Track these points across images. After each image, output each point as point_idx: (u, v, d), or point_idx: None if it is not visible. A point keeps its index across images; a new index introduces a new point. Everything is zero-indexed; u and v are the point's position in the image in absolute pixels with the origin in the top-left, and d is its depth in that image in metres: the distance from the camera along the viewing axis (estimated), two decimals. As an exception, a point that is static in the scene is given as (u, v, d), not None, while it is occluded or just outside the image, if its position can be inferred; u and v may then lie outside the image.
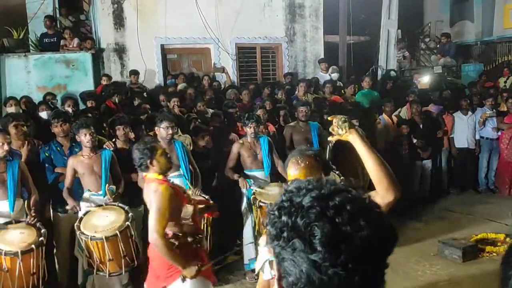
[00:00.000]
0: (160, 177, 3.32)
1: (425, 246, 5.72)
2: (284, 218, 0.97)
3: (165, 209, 3.14)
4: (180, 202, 3.36)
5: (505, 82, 11.11)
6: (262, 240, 2.34)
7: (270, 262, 2.23)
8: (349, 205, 0.95)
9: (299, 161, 2.34)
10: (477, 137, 8.01)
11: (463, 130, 7.92)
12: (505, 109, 7.96)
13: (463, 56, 14.40)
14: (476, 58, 14.70)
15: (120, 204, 4.26)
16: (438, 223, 6.63)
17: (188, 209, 3.38)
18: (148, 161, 3.29)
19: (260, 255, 2.35)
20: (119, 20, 9.20)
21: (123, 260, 3.97)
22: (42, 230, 3.92)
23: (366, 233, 0.92)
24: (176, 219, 3.31)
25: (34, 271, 3.74)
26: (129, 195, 4.68)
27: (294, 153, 2.44)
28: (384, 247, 0.98)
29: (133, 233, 4.09)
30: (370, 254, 0.94)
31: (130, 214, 4.10)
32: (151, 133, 5.56)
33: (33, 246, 3.73)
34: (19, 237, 3.82)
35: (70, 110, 6.29)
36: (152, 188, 3.25)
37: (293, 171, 2.30)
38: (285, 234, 0.96)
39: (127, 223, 4.00)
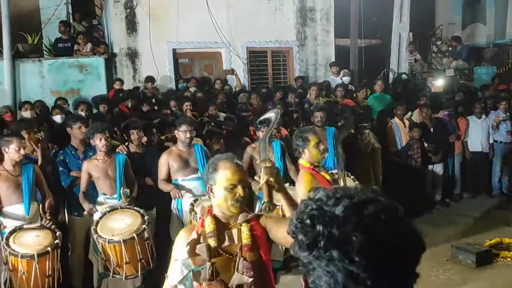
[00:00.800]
0: (308, 165, 3.61)
1: (438, 250, 5.66)
2: (319, 227, 0.95)
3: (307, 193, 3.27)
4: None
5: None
6: (182, 250, 2.25)
7: (194, 273, 2.18)
8: (383, 214, 0.95)
9: (239, 164, 2.30)
10: (491, 140, 7.93)
11: (477, 133, 7.84)
12: (519, 112, 7.87)
13: (475, 59, 14.29)
14: (488, 61, 14.58)
15: (135, 208, 4.31)
16: (451, 228, 6.57)
17: None
18: (301, 149, 3.62)
19: (179, 268, 2.23)
20: (131, 25, 9.29)
21: (139, 263, 4.01)
22: (58, 233, 3.97)
23: (400, 242, 0.93)
24: None
25: (50, 273, 3.79)
26: (142, 199, 4.72)
27: (225, 157, 2.32)
28: (415, 256, 0.98)
29: (148, 236, 4.14)
30: (404, 263, 0.94)
31: (146, 217, 4.15)
32: (162, 137, 5.60)
33: (48, 248, 3.78)
34: (35, 240, 3.87)
35: (83, 114, 6.36)
36: (300, 175, 3.62)
37: (231, 174, 2.22)
38: (321, 244, 0.94)
39: (144, 226, 4.05)
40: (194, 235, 2.24)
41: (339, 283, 0.93)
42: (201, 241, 2.22)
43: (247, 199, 2.30)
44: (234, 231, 2.26)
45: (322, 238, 0.94)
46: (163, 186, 4.75)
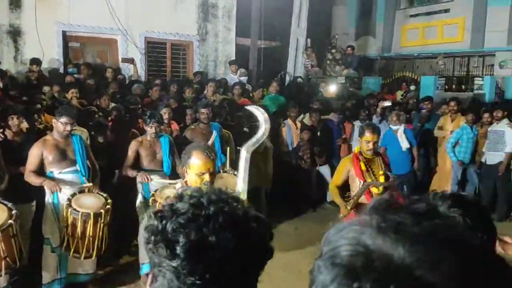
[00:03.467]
0: None
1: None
2: (156, 222, 0.95)
3: None
4: None
5: (402, 95, 12.06)
6: None
7: None
8: (221, 216, 0.93)
9: (209, 155, 2.77)
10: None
11: (360, 138, 8.36)
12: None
13: (365, 69, 15.34)
14: (377, 72, 15.76)
15: (3, 201, 3.90)
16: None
17: None
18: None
19: None
20: (15, 0, 8.44)
21: (3, 262, 3.67)
22: None
23: (231, 245, 0.91)
24: None
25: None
26: (20, 190, 4.34)
27: (198, 148, 2.82)
28: (252, 263, 0.97)
29: (16, 232, 3.77)
30: (233, 267, 0.92)
31: (14, 212, 3.79)
32: (40, 126, 5.16)
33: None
34: None
35: None
36: None
37: (201, 164, 2.73)
38: (153, 238, 0.93)
39: (10, 221, 3.70)
40: None
41: (165, 279, 0.92)
42: None
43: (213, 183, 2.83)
44: None
45: (156, 232, 0.93)
46: (33, 179, 4.33)
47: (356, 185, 4.26)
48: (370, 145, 4.22)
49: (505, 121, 7.17)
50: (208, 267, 0.89)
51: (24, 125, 4.89)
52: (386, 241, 0.55)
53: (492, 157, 7.25)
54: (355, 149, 4.42)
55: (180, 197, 0.99)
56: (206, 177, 2.73)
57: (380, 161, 4.37)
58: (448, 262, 0.52)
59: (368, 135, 4.22)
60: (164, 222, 0.93)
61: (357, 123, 8.42)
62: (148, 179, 4.77)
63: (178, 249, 0.89)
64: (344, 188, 4.46)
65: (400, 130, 7.31)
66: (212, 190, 1.02)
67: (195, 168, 2.74)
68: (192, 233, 0.90)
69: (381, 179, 4.24)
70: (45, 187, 4.34)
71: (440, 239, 0.55)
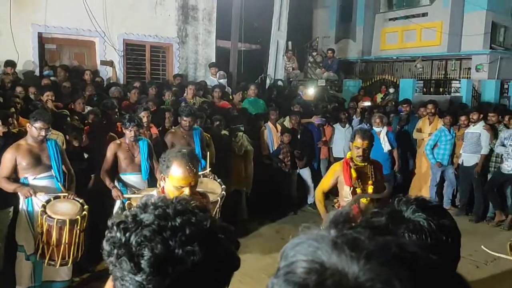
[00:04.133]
0: None
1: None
2: (118, 234, 0.90)
3: None
4: None
5: (382, 98, 12.19)
6: None
7: None
8: (188, 228, 0.90)
9: (192, 167, 2.46)
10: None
11: (341, 140, 8.41)
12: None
13: (345, 72, 15.47)
14: (357, 75, 15.91)
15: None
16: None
17: None
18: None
19: None
20: (-12, 1, 8.23)
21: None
22: None
23: (198, 258, 0.87)
24: None
25: None
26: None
27: (180, 156, 2.48)
28: (219, 275, 0.94)
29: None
30: (201, 280, 0.89)
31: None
32: (14, 130, 5.03)
33: None
34: None
35: None
36: None
37: (181, 178, 2.42)
38: (115, 251, 0.88)
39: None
40: None
41: None
42: None
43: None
44: None
45: (119, 245, 0.89)
46: (6, 185, 4.22)
47: (346, 191, 4.01)
48: (360, 151, 3.94)
49: (481, 123, 7.30)
50: (175, 281, 0.85)
51: (1, 128, 4.77)
52: (341, 257, 0.53)
53: (468, 159, 7.36)
54: (347, 154, 4.18)
55: (144, 207, 0.94)
56: (186, 191, 2.44)
57: (372, 170, 4.08)
58: (401, 280, 0.50)
59: (358, 140, 3.94)
60: (127, 234, 0.88)
61: (337, 126, 8.49)
62: (121, 197, 4.70)
63: (143, 263, 0.85)
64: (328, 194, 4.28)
65: (382, 133, 7.40)
66: (178, 200, 0.98)
67: (174, 181, 2.44)
68: (158, 246, 0.86)
69: (369, 189, 3.99)
70: (19, 194, 4.23)
71: (394, 256, 0.53)
